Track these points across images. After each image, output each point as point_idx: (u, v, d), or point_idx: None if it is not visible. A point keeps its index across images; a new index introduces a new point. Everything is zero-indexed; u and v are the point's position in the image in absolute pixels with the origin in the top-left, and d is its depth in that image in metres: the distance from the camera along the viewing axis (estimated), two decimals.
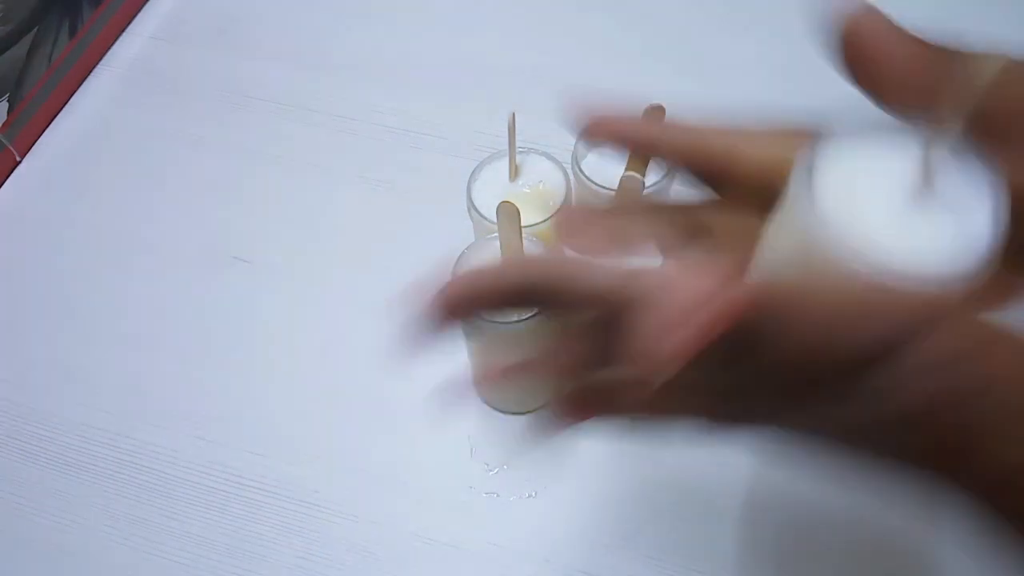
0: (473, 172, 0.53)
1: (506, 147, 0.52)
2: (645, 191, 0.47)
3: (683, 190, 0.31)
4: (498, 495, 0.54)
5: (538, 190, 0.53)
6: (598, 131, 0.30)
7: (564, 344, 0.27)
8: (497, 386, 0.56)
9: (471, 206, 0.52)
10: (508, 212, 0.45)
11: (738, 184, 0.29)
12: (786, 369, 0.24)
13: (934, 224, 0.25)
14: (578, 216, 0.30)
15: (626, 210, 0.31)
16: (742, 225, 0.29)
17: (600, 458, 0.55)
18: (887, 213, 0.25)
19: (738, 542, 0.52)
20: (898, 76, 0.26)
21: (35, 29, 0.71)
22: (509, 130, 0.50)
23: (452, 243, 0.52)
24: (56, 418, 0.59)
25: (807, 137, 0.27)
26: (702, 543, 0.52)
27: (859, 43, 0.26)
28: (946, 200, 0.25)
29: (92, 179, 0.71)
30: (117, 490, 0.56)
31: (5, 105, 0.70)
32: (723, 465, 0.53)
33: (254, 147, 0.71)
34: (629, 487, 0.54)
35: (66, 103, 0.75)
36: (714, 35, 0.75)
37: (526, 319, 0.47)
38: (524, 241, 0.48)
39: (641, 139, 0.30)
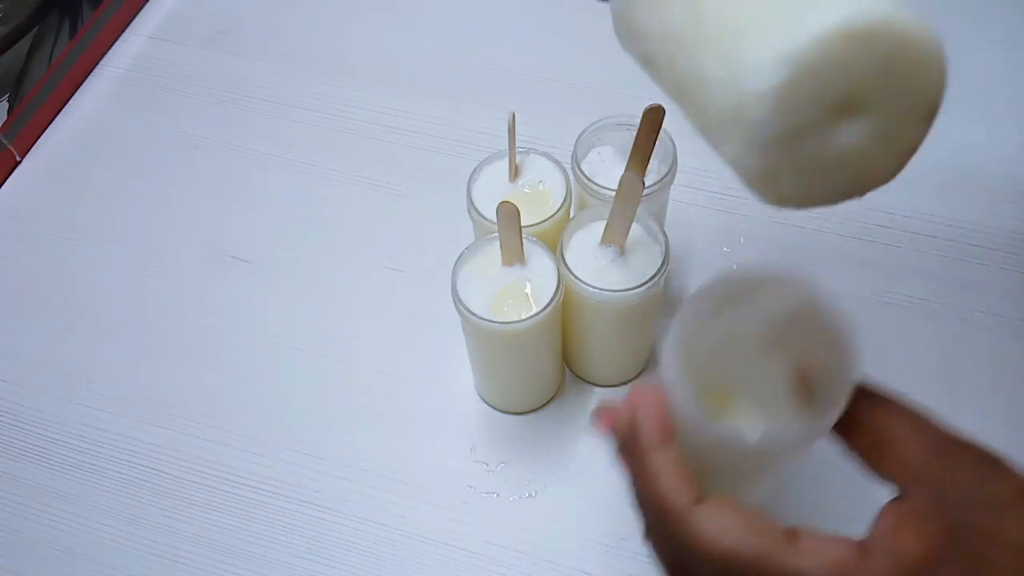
0: (473, 172, 0.53)
1: (506, 147, 0.52)
2: (645, 191, 0.47)
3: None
4: (498, 495, 0.54)
5: (538, 190, 0.53)
6: None
7: None
8: (497, 386, 0.57)
9: (471, 206, 0.52)
10: (508, 212, 0.46)
11: None
12: None
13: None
14: None
15: None
16: None
17: (600, 458, 0.55)
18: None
19: None
20: None
21: (35, 29, 0.71)
22: (509, 130, 0.50)
23: (452, 243, 0.52)
24: (56, 418, 0.59)
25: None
26: None
27: None
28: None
29: (92, 179, 0.71)
30: (117, 490, 0.56)
31: (5, 105, 0.70)
32: None
33: (254, 147, 0.71)
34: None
35: (66, 103, 0.75)
36: None
37: (525, 319, 0.47)
38: (524, 241, 0.49)
39: None
